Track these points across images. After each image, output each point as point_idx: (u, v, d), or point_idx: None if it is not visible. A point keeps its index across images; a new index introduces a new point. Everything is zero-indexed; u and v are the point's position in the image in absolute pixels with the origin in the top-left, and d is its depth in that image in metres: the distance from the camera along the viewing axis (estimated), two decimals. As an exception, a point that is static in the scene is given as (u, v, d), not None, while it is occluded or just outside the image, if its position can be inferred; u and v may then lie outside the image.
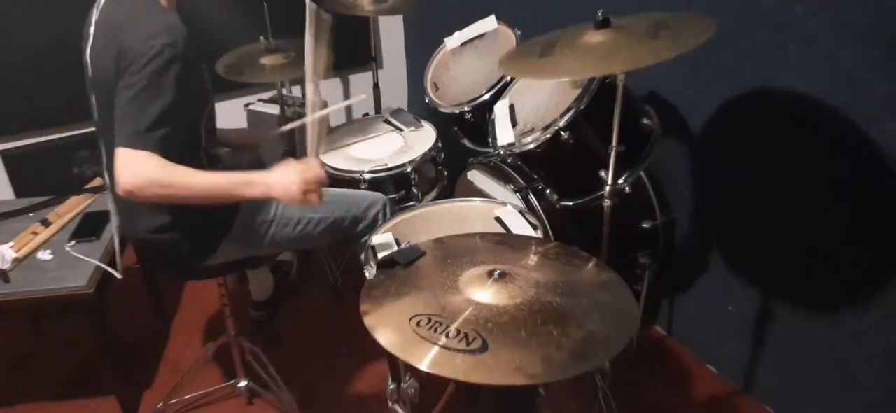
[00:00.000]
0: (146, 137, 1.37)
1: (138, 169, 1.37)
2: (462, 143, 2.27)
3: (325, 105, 1.61)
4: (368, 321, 1.13)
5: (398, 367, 1.67)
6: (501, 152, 1.85)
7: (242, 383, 2.06)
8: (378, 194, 1.94)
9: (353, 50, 3.05)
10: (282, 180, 1.49)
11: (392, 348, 1.07)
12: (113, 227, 1.71)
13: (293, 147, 2.45)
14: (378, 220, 1.86)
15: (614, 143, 1.54)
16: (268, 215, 1.72)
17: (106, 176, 1.64)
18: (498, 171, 2.06)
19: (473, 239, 1.44)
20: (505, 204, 1.80)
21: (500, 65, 1.68)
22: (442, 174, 2.27)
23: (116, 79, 1.41)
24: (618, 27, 1.50)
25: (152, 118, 1.37)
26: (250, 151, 1.99)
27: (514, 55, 1.81)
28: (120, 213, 1.70)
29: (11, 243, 1.93)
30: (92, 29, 1.51)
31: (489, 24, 2.26)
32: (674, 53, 1.34)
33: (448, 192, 2.27)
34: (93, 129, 1.63)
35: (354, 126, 2.44)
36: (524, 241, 1.51)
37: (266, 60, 2.41)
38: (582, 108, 1.67)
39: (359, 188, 2.06)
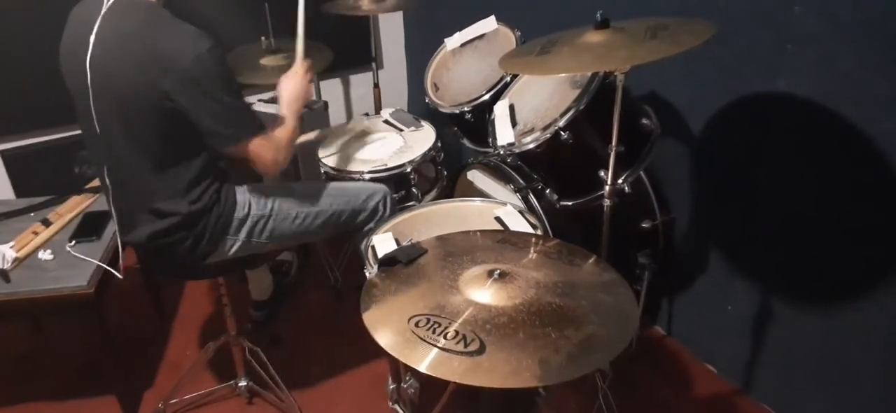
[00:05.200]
0: (255, 125, 1.58)
1: (268, 150, 1.60)
2: (462, 143, 2.27)
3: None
4: (368, 321, 1.14)
5: (398, 367, 1.68)
6: (501, 152, 1.85)
7: (242, 383, 2.07)
8: (378, 185, 1.94)
9: (353, 50, 3.05)
10: (293, 85, 1.75)
11: (390, 349, 1.07)
12: (117, 231, 1.73)
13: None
14: (378, 211, 1.86)
15: (614, 143, 1.54)
16: (265, 211, 1.72)
17: (107, 180, 1.64)
18: (498, 171, 2.06)
19: (474, 236, 1.44)
20: (505, 204, 1.80)
21: (499, 63, 1.68)
22: (442, 174, 2.27)
23: (166, 90, 1.45)
24: (617, 28, 1.50)
25: (244, 109, 1.57)
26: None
27: (513, 54, 1.81)
28: (121, 221, 1.70)
29: (12, 243, 1.93)
30: (93, 38, 1.50)
31: (489, 24, 2.26)
32: (670, 52, 1.34)
33: (448, 192, 2.27)
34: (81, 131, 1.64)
35: (354, 126, 2.44)
36: (525, 237, 1.51)
37: (266, 60, 2.41)
38: (581, 107, 1.67)
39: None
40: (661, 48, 1.37)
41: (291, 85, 1.75)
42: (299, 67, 1.79)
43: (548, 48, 1.56)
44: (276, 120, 1.69)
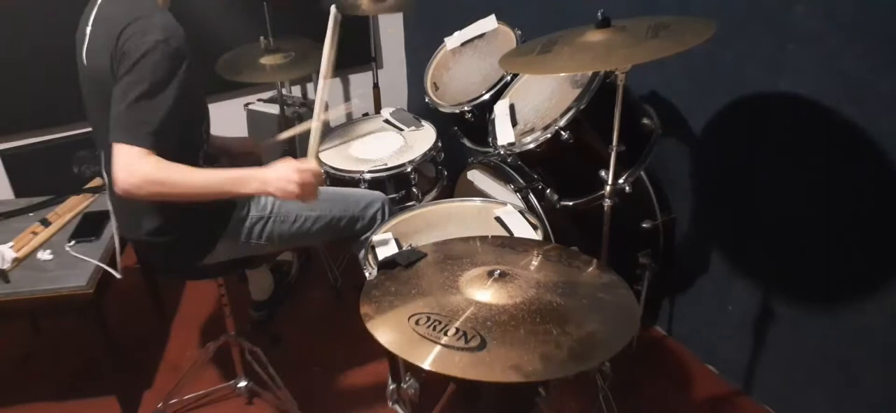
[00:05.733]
0: (141, 135, 1.37)
1: (134, 167, 1.37)
2: (462, 143, 2.27)
3: (327, 107, 1.66)
4: (368, 321, 1.13)
5: (398, 367, 1.68)
6: (501, 152, 1.85)
7: (242, 383, 2.06)
8: (377, 193, 1.94)
9: (353, 50, 3.05)
10: (279, 177, 1.51)
11: (391, 347, 1.06)
12: (113, 228, 1.71)
13: (293, 148, 2.45)
14: (376, 219, 1.86)
15: (614, 142, 1.54)
16: (264, 213, 1.72)
17: (104, 175, 1.64)
18: (498, 171, 2.06)
19: (474, 243, 1.44)
20: (505, 204, 1.80)
21: (499, 62, 1.68)
22: (442, 174, 2.27)
23: (112, 77, 1.42)
24: (618, 28, 1.50)
25: (147, 115, 1.38)
26: (249, 157, 1.99)
27: (514, 53, 1.81)
28: (119, 214, 1.70)
29: (11, 243, 1.93)
30: (89, 28, 1.51)
31: (489, 23, 2.26)
32: (672, 51, 1.35)
33: (448, 192, 2.26)
34: (91, 129, 1.64)
35: (354, 126, 2.44)
36: (525, 244, 1.51)
37: (266, 60, 2.41)
38: (582, 107, 1.67)
39: (358, 188, 2.06)
40: (662, 47, 1.37)
41: (279, 177, 1.50)
42: (305, 165, 1.53)
43: (548, 47, 1.56)
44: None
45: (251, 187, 1.52)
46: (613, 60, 1.45)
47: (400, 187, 2.12)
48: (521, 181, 1.96)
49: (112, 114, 1.40)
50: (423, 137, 2.26)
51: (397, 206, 1.99)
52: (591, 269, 1.30)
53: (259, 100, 3.02)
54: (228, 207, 1.67)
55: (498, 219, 1.73)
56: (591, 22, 1.51)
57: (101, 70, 1.45)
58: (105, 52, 1.43)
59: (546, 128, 1.72)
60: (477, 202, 1.85)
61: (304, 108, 2.94)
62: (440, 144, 2.22)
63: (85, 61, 1.52)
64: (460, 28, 2.31)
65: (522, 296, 1.15)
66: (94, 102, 1.54)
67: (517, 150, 1.79)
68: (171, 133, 1.41)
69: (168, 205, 1.56)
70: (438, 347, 1.04)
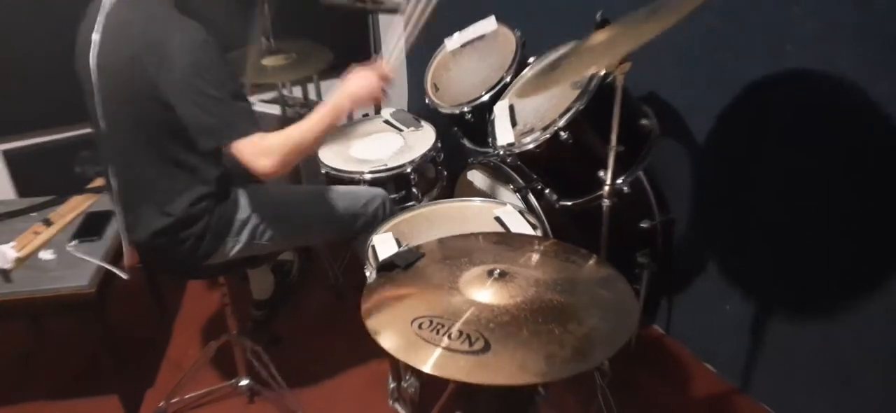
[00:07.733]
0: (249, 125, 1.47)
1: (267, 153, 1.46)
2: (462, 143, 2.28)
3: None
4: (370, 325, 1.14)
5: (399, 367, 1.68)
6: (501, 152, 1.86)
7: (243, 382, 2.07)
8: (378, 190, 1.95)
9: (353, 49, 3.05)
10: (360, 85, 1.62)
11: (395, 352, 1.07)
12: (121, 230, 1.72)
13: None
14: (378, 215, 1.87)
15: (613, 143, 1.55)
16: (268, 213, 1.73)
17: (112, 180, 1.65)
18: (498, 172, 2.07)
19: (473, 239, 1.44)
20: (505, 204, 1.81)
21: (517, 94, 1.68)
22: (442, 174, 2.27)
23: (156, 81, 1.43)
24: (617, 26, 1.50)
25: (242, 104, 1.48)
26: None
27: (530, 79, 1.83)
28: (125, 219, 1.71)
29: (13, 243, 1.93)
30: (96, 35, 1.51)
31: (489, 25, 2.26)
32: (666, 25, 1.32)
33: (448, 192, 2.27)
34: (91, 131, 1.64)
35: (354, 126, 2.45)
36: (523, 239, 1.52)
37: (266, 61, 2.41)
38: (581, 108, 1.67)
39: (359, 188, 2.06)
40: (656, 26, 1.35)
41: (358, 84, 1.62)
42: (382, 69, 1.67)
43: (556, 64, 1.56)
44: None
45: (346, 107, 1.62)
46: (608, 57, 1.44)
47: (400, 188, 2.12)
48: (521, 181, 1.97)
49: (202, 122, 1.45)
50: (423, 138, 2.26)
51: (397, 207, 1.99)
52: (589, 263, 1.31)
53: (260, 100, 3.03)
54: (232, 210, 1.67)
55: (498, 219, 1.74)
56: (590, 22, 1.52)
57: (123, 74, 1.47)
58: (129, 59, 1.45)
59: (545, 128, 1.73)
60: (477, 202, 1.86)
61: (306, 109, 2.95)
62: (440, 145, 2.22)
63: (93, 67, 1.52)
64: (460, 29, 2.31)
65: (523, 295, 1.15)
66: (108, 108, 1.55)
67: (517, 151, 1.80)
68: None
69: (171, 208, 1.58)
70: (443, 351, 1.04)
